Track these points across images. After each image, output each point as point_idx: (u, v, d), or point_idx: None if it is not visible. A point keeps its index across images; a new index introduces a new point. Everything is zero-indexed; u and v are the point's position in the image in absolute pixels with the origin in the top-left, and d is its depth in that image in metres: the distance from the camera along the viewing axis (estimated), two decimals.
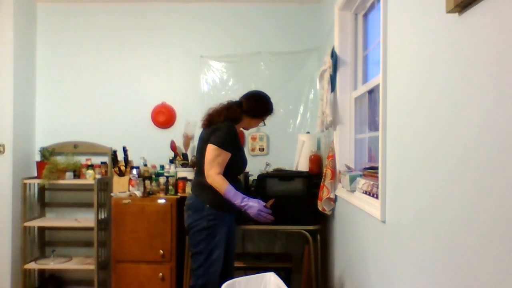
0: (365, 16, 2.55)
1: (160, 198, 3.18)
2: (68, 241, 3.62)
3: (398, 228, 1.55)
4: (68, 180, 3.36)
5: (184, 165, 3.40)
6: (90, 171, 3.39)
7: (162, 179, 3.28)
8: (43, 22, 3.67)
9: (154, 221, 3.12)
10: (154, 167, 3.45)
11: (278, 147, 3.65)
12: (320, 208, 2.79)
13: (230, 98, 2.66)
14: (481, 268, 0.96)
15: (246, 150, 3.46)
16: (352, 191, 2.31)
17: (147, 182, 3.29)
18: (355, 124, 2.63)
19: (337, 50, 2.65)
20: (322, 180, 2.77)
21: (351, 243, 2.31)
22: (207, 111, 2.56)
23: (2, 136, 3.31)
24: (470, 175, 1.01)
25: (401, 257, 1.51)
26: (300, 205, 2.96)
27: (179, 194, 3.23)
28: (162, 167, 3.42)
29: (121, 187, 3.28)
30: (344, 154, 2.64)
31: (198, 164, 2.53)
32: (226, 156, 2.36)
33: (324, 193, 2.70)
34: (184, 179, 3.25)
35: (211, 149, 2.35)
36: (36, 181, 3.36)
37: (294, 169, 3.31)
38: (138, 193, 3.19)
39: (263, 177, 3.04)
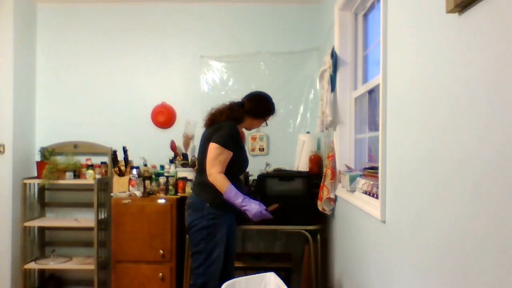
0: (365, 16, 2.55)
1: (160, 198, 3.18)
2: (68, 241, 3.62)
3: (398, 228, 1.55)
4: (68, 180, 3.36)
5: (184, 165, 3.40)
6: (90, 171, 3.39)
7: (162, 179, 3.28)
8: (43, 22, 3.67)
9: (154, 221, 3.12)
10: (154, 167, 3.45)
11: (278, 147, 3.65)
12: (320, 208, 2.80)
13: (230, 98, 2.66)
14: (481, 268, 0.96)
15: (246, 150, 3.45)
16: (352, 191, 2.31)
17: (147, 182, 3.29)
18: (355, 124, 2.63)
19: (337, 50, 2.65)
20: (322, 180, 2.77)
21: (351, 243, 2.31)
22: (209, 110, 2.56)
23: (2, 136, 3.31)
24: (470, 175, 1.01)
25: (401, 257, 1.51)
26: (300, 205, 2.96)
27: (179, 194, 3.23)
28: (162, 167, 3.42)
29: (121, 187, 3.28)
30: (344, 154, 2.64)
31: (199, 163, 2.53)
32: (228, 155, 2.36)
33: (324, 193, 2.70)
34: (184, 179, 3.25)
35: (213, 147, 2.35)
36: (36, 181, 3.36)
37: (294, 169, 3.31)
38: (138, 193, 3.19)
39: (263, 177, 3.04)
